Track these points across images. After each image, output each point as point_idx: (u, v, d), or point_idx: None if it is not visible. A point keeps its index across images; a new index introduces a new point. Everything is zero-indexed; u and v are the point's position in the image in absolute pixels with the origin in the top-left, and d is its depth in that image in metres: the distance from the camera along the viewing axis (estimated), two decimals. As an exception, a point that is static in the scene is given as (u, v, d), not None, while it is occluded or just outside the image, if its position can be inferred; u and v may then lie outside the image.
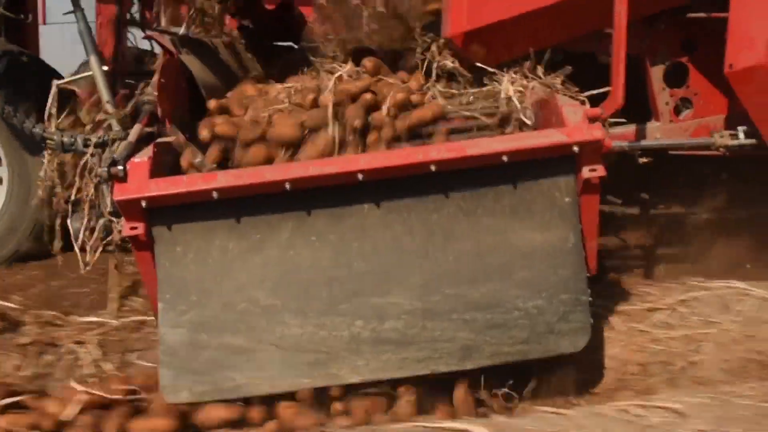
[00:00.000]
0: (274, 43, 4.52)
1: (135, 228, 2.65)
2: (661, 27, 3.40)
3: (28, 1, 4.95)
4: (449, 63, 3.22)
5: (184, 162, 2.85)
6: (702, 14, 3.29)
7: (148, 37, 4.45)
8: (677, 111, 3.49)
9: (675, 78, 3.47)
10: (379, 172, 2.62)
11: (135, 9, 5.29)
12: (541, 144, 2.64)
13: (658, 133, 3.46)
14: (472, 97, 3.20)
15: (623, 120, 3.30)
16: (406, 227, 2.68)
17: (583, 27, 3.24)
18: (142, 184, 2.65)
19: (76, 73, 4.82)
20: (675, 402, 2.42)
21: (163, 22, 3.87)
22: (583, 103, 3.02)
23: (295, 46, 4.40)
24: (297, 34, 4.12)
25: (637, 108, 3.45)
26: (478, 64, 3.25)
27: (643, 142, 3.37)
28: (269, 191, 2.63)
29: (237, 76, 3.78)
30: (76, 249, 3.20)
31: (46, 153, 3.56)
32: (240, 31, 4.36)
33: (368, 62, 3.23)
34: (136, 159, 2.74)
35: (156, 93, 3.02)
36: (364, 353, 2.61)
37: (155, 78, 3.03)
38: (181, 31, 3.79)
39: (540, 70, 3.17)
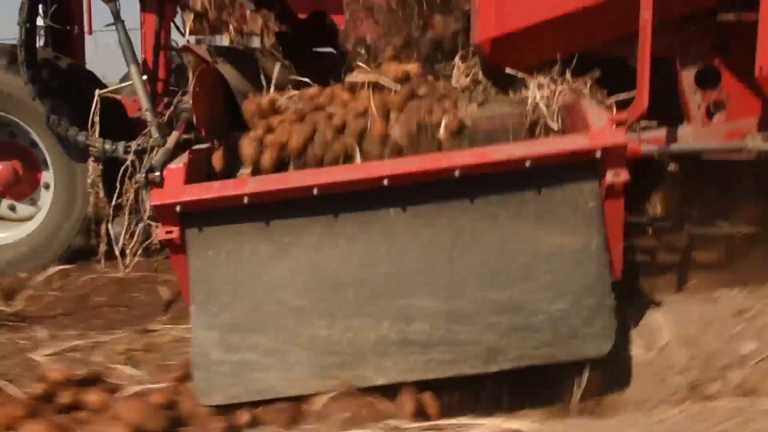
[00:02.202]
0: (312, 50, 4.61)
1: (170, 232, 2.75)
2: (692, 29, 3.38)
3: (73, 11, 5.13)
4: (464, 79, 3.25)
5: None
6: (732, 16, 3.26)
7: (185, 49, 4.57)
8: (709, 114, 3.47)
9: (707, 81, 3.45)
10: (404, 177, 2.68)
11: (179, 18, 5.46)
12: (564, 149, 2.67)
13: (690, 137, 3.43)
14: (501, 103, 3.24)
15: (652, 124, 3.29)
16: (432, 231, 2.73)
17: (610, 31, 3.24)
18: (177, 189, 2.75)
19: (122, 81, 5.00)
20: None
21: (203, 32, 3.98)
22: (610, 107, 3.03)
23: (334, 51, 4.49)
24: (330, 41, 4.19)
25: (670, 112, 3.45)
26: (509, 70, 3.29)
27: (674, 147, 3.35)
28: (298, 196, 2.71)
29: (278, 84, 3.87)
30: (116, 252, 3.32)
31: (90, 160, 3.70)
32: (277, 39, 4.45)
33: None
34: (172, 165, 2.84)
35: (191, 101, 3.12)
36: (391, 355, 2.66)
37: (190, 87, 3.13)
38: (223, 41, 3.90)
39: (568, 75, 3.19)
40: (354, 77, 3.22)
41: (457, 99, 3.17)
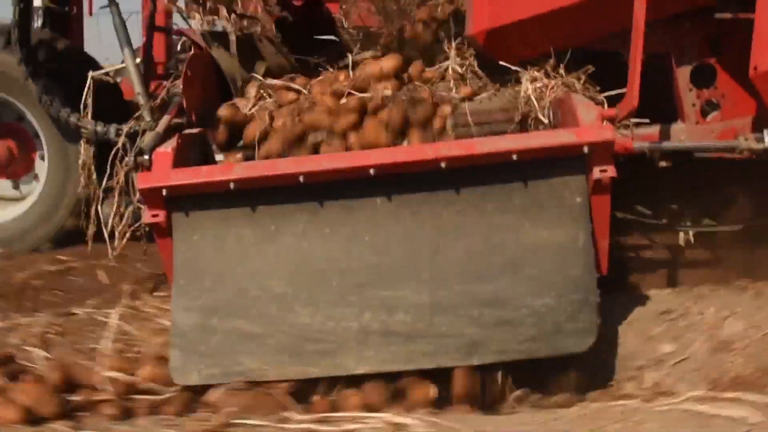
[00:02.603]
0: (311, 37, 4.60)
1: (156, 215, 2.76)
2: (687, 26, 3.36)
3: (72, -8, 5.12)
4: (458, 68, 3.24)
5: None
6: (728, 14, 3.24)
7: (178, 33, 4.56)
8: (704, 113, 3.46)
9: (702, 79, 3.44)
10: (390, 167, 2.67)
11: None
12: (550, 143, 2.67)
13: (683, 134, 3.41)
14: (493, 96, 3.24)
15: (645, 120, 3.28)
16: (417, 222, 2.73)
17: (605, 27, 3.22)
18: (164, 173, 2.76)
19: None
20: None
21: (198, 18, 3.97)
22: (601, 103, 3.03)
23: (336, 39, 4.48)
24: (324, 29, 4.18)
25: (663, 109, 3.44)
26: (501, 63, 3.28)
27: (666, 144, 3.34)
28: (284, 183, 2.71)
29: (268, 70, 3.87)
30: (105, 234, 3.33)
31: (82, 142, 3.70)
32: (277, 25, 4.45)
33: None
34: (161, 149, 2.85)
35: (182, 86, 3.12)
36: (372, 345, 2.66)
37: (182, 71, 3.13)
38: (221, 27, 3.89)
39: (562, 69, 3.18)
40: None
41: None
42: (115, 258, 3.74)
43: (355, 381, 2.64)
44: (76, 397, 2.59)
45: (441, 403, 2.58)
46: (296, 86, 3.24)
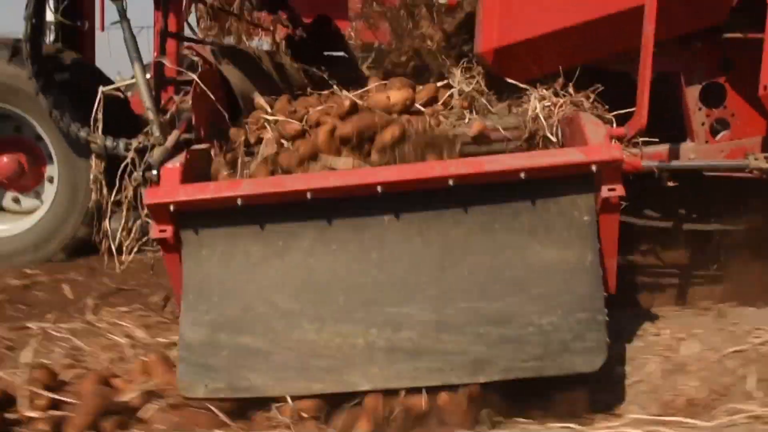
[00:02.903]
0: (323, 53, 4.62)
1: (163, 231, 2.76)
2: (698, 46, 3.36)
3: (85, 7, 5.16)
4: (465, 87, 3.23)
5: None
6: (738, 34, 3.24)
7: (189, 48, 4.59)
8: (713, 132, 3.45)
9: (712, 98, 3.43)
10: (397, 185, 2.68)
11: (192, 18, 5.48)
12: (559, 162, 2.66)
13: (692, 153, 3.41)
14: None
15: (656, 140, 3.27)
16: (424, 240, 2.73)
17: (613, 46, 3.23)
18: (171, 189, 2.76)
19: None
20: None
21: (202, 32, 3.99)
22: (609, 122, 3.02)
23: (345, 56, 4.50)
24: (334, 46, 4.20)
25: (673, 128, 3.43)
26: (511, 81, 3.28)
27: (675, 163, 3.33)
28: (292, 200, 2.71)
29: (278, 86, 3.88)
30: (113, 248, 3.33)
31: (92, 156, 3.72)
32: (288, 42, 4.47)
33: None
34: (169, 165, 2.86)
35: (191, 101, 3.13)
36: (378, 361, 2.66)
37: (191, 87, 3.15)
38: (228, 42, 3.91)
39: (570, 88, 3.18)
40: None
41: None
42: (83, 272, 3.78)
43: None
44: (11, 415, 2.59)
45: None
46: (296, 122, 3.18)
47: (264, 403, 2.67)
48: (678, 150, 3.41)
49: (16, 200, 4.70)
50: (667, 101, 3.42)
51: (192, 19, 5.55)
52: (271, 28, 4.91)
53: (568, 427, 2.51)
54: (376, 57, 4.61)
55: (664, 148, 3.39)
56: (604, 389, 2.79)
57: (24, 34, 3.78)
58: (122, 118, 4.15)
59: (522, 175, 2.64)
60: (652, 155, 3.32)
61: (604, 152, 2.64)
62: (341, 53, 4.47)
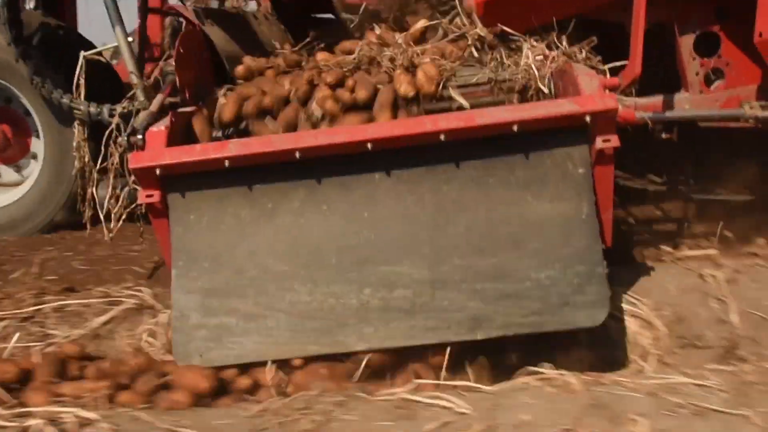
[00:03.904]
0: (310, 15, 4.53)
1: (150, 195, 2.70)
2: None
3: (66, -27, 5.05)
4: (481, 32, 3.16)
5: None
6: None
7: (170, 8, 4.49)
8: (708, 81, 3.39)
9: (705, 47, 3.37)
10: (388, 141, 2.62)
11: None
12: (552, 114, 2.60)
13: (687, 104, 3.36)
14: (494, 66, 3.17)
15: None
16: (417, 197, 2.68)
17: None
18: (157, 152, 2.70)
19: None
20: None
21: None
22: (603, 73, 2.96)
23: (332, 17, 4.41)
24: (325, 7, 4.12)
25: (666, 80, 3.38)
26: (505, 29, 3.20)
27: (670, 113, 3.28)
28: (280, 160, 2.65)
29: (263, 47, 3.81)
30: (101, 216, 3.28)
31: (75, 123, 3.65)
32: (274, 3, 4.38)
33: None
34: (154, 128, 2.79)
35: (174, 64, 3.06)
36: (373, 321, 2.62)
37: (174, 49, 3.07)
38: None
39: (564, 40, 3.12)
40: None
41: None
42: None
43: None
44: None
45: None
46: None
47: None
48: (672, 101, 3.36)
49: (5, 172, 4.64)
50: (661, 52, 3.37)
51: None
52: None
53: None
54: (361, 17, 4.53)
55: (657, 99, 3.34)
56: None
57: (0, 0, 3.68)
58: (107, 85, 4.08)
59: (515, 127, 2.59)
60: (645, 106, 3.27)
61: (598, 102, 2.58)
62: (328, 15, 4.39)
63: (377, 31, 3.43)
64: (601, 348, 2.75)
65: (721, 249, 3.26)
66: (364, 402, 2.31)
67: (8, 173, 4.63)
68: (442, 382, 2.46)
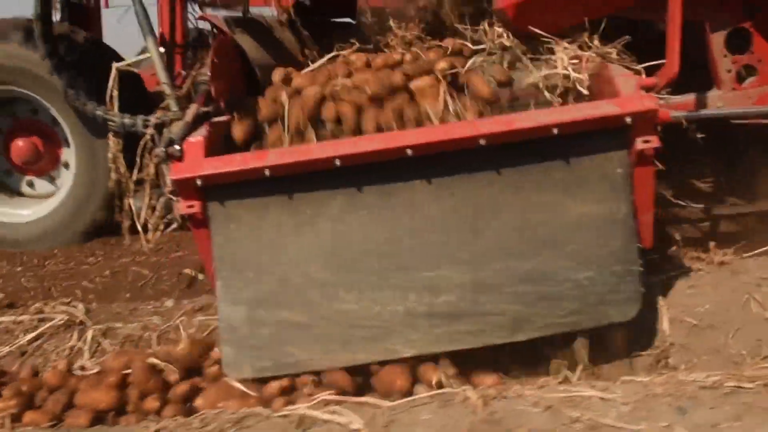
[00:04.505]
0: (330, 21, 4.54)
1: (191, 206, 2.71)
2: None
3: (90, -16, 5.08)
4: (506, 42, 3.16)
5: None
6: None
7: (202, 18, 4.50)
8: (740, 79, 3.37)
9: (737, 44, 3.35)
10: (428, 147, 2.62)
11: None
12: (592, 116, 2.60)
13: (720, 102, 3.34)
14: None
15: None
16: (456, 201, 2.68)
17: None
18: (197, 162, 2.71)
19: (141, 55, 4.93)
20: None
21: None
22: (638, 73, 2.95)
23: (352, 22, 4.42)
24: (347, 11, 4.12)
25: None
26: (537, 31, 3.19)
27: (704, 112, 3.27)
28: (319, 168, 2.66)
29: (291, 54, 3.82)
30: (138, 227, 3.30)
31: (110, 135, 3.67)
32: (295, 9, 4.38)
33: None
34: (192, 138, 2.80)
35: (210, 73, 3.07)
36: (418, 327, 2.63)
37: (209, 58, 3.08)
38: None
39: (596, 40, 3.11)
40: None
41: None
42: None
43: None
44: None
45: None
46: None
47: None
48: (705, 99, 3.34)
49: (31, 184, 4.67)
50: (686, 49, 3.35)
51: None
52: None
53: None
54: (384, 21, 4.53)
55: (690, 98, 3.32)
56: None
57: (34, 13, 3.71)
58: (134, 94, 4.10)
59: (555, 130, 2.59)
60: (678, 105, 3.25)
61: (638, 103, 2.58)
62: (349, 19, 4.40)
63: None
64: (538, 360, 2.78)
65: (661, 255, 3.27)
66: (263, 419, 2.30)
67: (42, 184, 4.67)
68: (345, 398, 2.46)
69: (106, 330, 3.12)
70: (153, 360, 2.72)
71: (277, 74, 3.22)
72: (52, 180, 4.65)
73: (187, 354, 2.78)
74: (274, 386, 2.59)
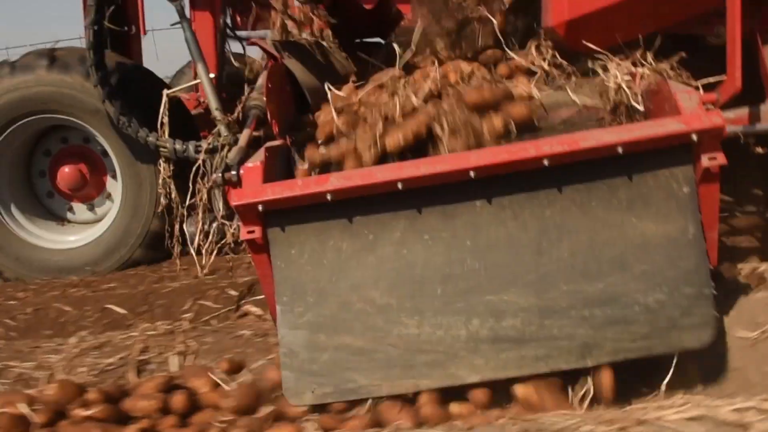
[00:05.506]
0: (367, 41, 4.54)
1: (252, 232, 2.70)
2: None
3: (130, 13, 5.13)
4: (545, 65, 3.14)
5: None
6: None
7: (252, 44, 4.52)
8: (793, 91, 3.33)
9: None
10: (490, 168, 2.60)
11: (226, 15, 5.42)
12: (657, 134, 2.57)
13: None
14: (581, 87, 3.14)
15: None
16: (519, 223, 2.65)
17: (689, 10, 3.12)
18: (257, 188, 2.70)
19: (173, 79, 4.96)
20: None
21: (257, 27, 3.92)
22: (696, 89, 2.92)
23: (383, 42, 4.41)
24: (389, 32, 4.12)
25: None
26: (591, 46, 3.17)
27: (761, 126, 3.22)
28: (382, 191, 2.65)
29: (338, 75, 3.82)
30: (192, 252, 3.30)
31: (161, 161, 3.68)
32: (332, 31, 4.39)
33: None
34: (249, 164, 2.80)
35: (265, 98, 3.07)
36: (483, 352, 2.59)
37: (263, 83, 3.09)
38: (270, 34, 3.84)
39: (649, 56, 3.08)
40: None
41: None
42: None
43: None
44: None
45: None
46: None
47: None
48: (759, 112, 3.29)
49: (78, 210, 4.70)
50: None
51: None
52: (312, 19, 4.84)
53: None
54: (421, 40, 4.52)
55: (743, 112, 3.28)
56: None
57: (87, 43, 3.74)
58: (180, 120, 4.12)
59: (620, 149, 2.56)
60: (732, 120, 3.21)
61: (705, 120, 2.55)
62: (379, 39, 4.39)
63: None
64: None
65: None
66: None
67: (82, 211, 4.69)
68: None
69: (2, 369, 3.05)
70: (20, 405, 2.58)
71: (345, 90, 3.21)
72: (92, 208, 4.67)
73: (57, 397, 2.68)
74: None
